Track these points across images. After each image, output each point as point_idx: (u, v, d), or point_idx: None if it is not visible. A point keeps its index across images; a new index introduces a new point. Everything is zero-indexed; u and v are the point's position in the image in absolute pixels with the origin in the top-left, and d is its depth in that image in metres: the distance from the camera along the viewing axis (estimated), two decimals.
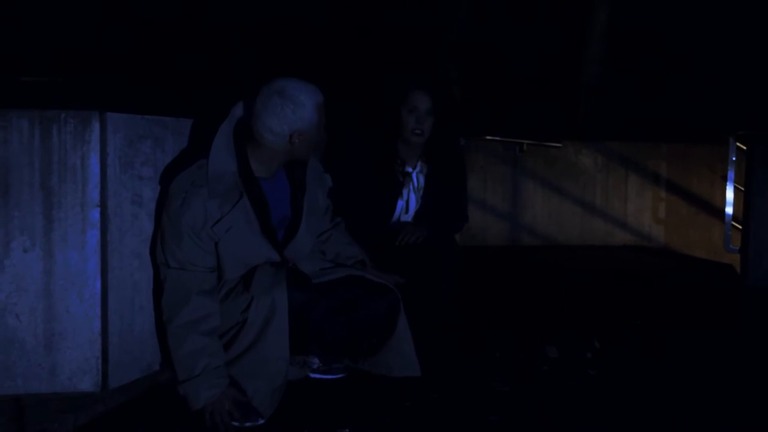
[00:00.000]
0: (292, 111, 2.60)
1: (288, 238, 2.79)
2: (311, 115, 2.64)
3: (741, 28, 8.96)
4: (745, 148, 5.33)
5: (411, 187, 3.53)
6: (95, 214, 2.58)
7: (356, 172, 3.38)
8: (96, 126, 2.57)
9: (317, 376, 2.99)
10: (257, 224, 2.66)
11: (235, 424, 2.53)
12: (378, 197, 3.45)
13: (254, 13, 8.70)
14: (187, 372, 2.55)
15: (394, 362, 2.91)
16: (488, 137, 6.63)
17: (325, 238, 3.08)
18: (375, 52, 8.92)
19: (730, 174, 5.53)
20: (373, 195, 3.40)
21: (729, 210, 5.56)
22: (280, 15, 8.83)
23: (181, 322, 2.56)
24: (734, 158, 5.50)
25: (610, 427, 2.60)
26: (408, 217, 3.54)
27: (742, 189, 5.23)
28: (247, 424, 2.54)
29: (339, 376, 3.00)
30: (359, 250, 3.10)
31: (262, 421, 2.55)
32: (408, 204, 3.55)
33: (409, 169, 3.54)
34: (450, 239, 3.50)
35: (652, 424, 2.62)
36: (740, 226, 5.25)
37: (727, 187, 5.57)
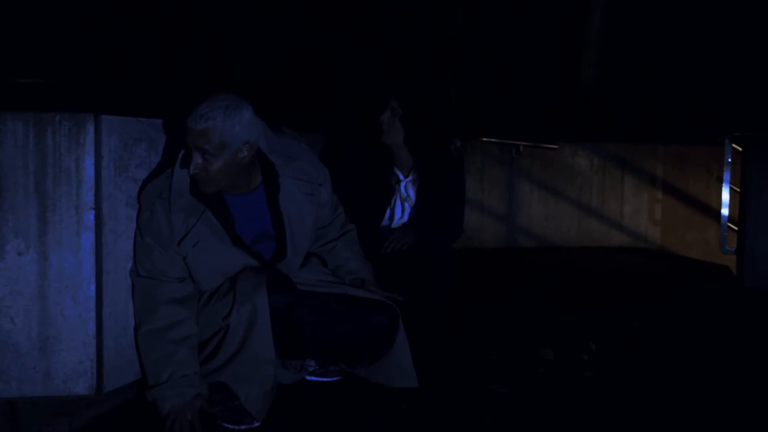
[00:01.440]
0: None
1: (276, 258, 2.78)
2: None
3: (737, 30, 8.97)
4: (740, 149, 5.34)
5: (398, 196, 3.53)
6: (90, 216, 2.57)
7: (351, 179, 3.37)
8: (91, 128, 2.56)
9: (313, 378, 2.99)
10: (226, 236, 2.65)
11: (231, 426, 2.53)
12: (368, 204, 3.44)
13: (253, 17, 8.71)
14: (154, 378, 2.56)
15: (391, 373, 2.89)
16: (485, 139, 6.64)
17: (329, 248, 3.06)
18: (372, 54, 8.93)
19: (726, 175, 5.54)
20: (363, 201, 3.39)
21: (725, 211, 5.56)
22: (280, 19, 8.84)
23: (149, 329, 2.58)
24: (730, 160, 5.51)
25: (606, 429, 2.60)
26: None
27: (738, 190, 5.24)
28: (242, 427, 2.53)
29: (335, 378, 3.00)
30: (362, 264, 3.07)
31: (257, 424, 2.54)
32: (394, 213, 3.54)
33: (401, 177, 3.54)
34: (441, 244, 3.49)
35: (649, 426, 2.61)
36: (736, 228, 5.26)
37: (723, 189, 5.58)
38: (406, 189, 3.55)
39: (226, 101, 2.53)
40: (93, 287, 2.59)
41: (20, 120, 2.52)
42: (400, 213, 3.55)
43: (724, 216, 5.58)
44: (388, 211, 3.55)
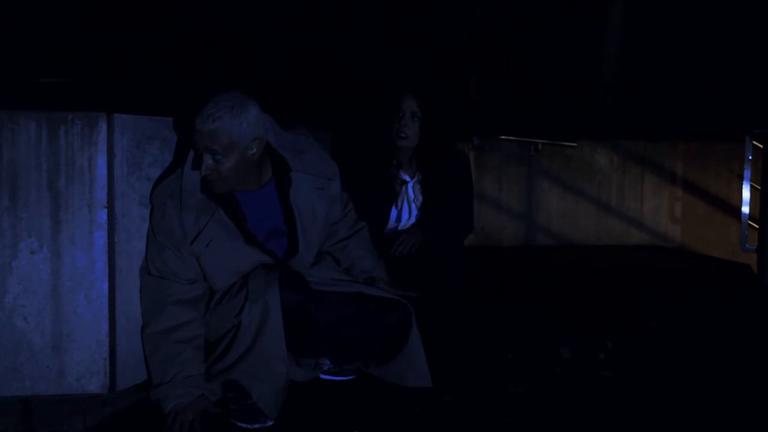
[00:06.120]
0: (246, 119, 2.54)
1: (288, 255, 2.77)
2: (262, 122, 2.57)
3: (758, 25, 8.87)
4: (761, 146, 5.28)
5: (405, 198, 3.48)
6: (102, 215, 2.57)
7: (353, 182, 3.29)
8: (103, 127, 2.57)
9: (328, 377, 2.98)
10: (239, 234, 2.65)
11: (245, 425, 2.52)
12: (372, 206, 3.38)
13: (261, 13, 8.69)
14: (158, 377, 2.57)
15: (405, 372, 2.86)
16: (503, 137, 6.60)
17: (341, 246, 3.05)
18: (388, 52, 8.89)
19: (747, 173, 5.48)
20: (367, 204, 3.33)
21: (746, 209, 5.51)
22: (288, 16, 8.82)
23: (156, 329, 2.59)
24: (750, 157, 5.45)
25: (623, 429, 2.57)
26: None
27: (759, 188, 5.18)
28: (256, 425, 2.53)
29: (350, 377, 2.99)
30: (375, 263, 3.06)
31: (270, 423, 2.54)
32: (401, 215, 3.49)
33: (407, 178, 3.49)
34: (452, 242, 3.45)
35: (666, 426, 2.58)
36: (757, 226, 5.20)
37: (744, 186, 5.52)
38: (414, 190, 3.50)
39: (231, 99, 2.51)
40: (106, 285, 2.60)
41: (33, 119, 2.53)
42: (407, 215, 3.50)
43: (745, 214, 5.51)
44: (395, 213, 3.50)
